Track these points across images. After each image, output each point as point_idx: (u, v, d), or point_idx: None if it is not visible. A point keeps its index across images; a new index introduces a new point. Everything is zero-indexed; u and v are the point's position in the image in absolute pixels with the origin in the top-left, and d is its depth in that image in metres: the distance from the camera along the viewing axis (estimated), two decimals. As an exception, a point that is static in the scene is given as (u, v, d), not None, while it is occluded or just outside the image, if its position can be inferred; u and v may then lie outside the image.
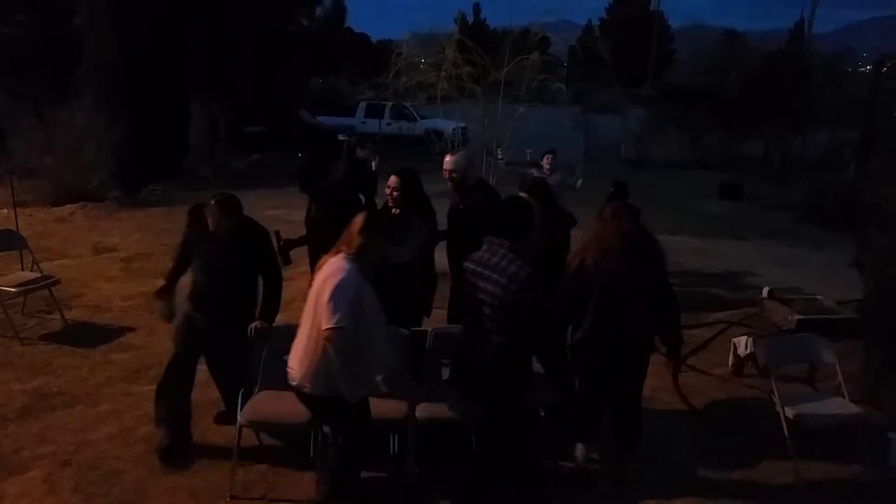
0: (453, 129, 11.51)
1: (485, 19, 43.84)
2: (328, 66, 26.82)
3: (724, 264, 9.11)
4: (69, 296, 6.65)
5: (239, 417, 3.74)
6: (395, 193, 4.34)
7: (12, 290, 5.82)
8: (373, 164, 7.56)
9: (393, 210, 4.41)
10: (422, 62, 9.99)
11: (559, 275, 3.85)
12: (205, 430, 4.27)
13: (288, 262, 4.43)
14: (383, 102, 20.60)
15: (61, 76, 13.72)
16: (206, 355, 4.14)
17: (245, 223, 3.99)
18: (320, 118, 21.14)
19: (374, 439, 3.56)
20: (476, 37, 10.44)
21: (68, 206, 10.98)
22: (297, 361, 3.23)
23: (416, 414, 3.77)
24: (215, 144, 16.87)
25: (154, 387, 4.14)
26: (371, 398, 3.37)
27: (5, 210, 9.22)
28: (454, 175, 4.53)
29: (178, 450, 3.96)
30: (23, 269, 6.34)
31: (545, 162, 7.90)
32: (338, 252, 3.18)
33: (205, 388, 4.33)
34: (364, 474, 3.58)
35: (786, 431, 4.04)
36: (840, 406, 4.18)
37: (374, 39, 37.47)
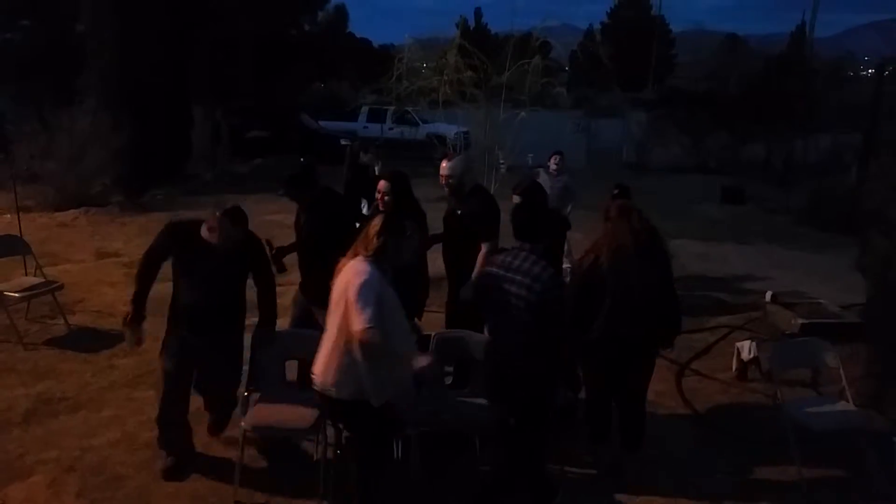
0: (455, 134, 11.51)
1: (486, 24, 43.87)
2: (330, 71, 26.94)
3: (727, 268, 9.10)
4: (72, 301, 6.66)
5: (242, 423, 3.75)
6: (385, 198, 4.39)
7: (16, 295, 5.84)
8: (375, 168, 7.58)
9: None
10: (423, 67, 10.02)
11: None
12: (206, 435, 4.26)
13: (282, 269, 4.40)
14: (385, 107, 20.63)
15: (64, 81, 13.75)
16: (197, 370, 3.99)
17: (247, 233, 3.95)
18: (322, 123, 21.18)
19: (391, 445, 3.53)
20: (478, 41, 10.45)
21: (71, 211, 11.00)
22: (321, 366, 3.22)
23: (419, 419, 3.78)
24: (217, 149, 16.89)
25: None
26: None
27: (8, 215, 9.24)
28: (450, 181, 4.55)
29: (183, 468, 3.93)
30: (26, 275, 6.35)
31: (552, 163, 7.89)
32: (355, 254, 3.20)
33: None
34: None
35: (789, 435, 4.03)
36: (844, 410, 4.18)
37: (375, 44, 37.50)
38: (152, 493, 3.73)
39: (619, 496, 3.89)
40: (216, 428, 4.25)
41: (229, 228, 3.69)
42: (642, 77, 34.47)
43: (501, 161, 8.98)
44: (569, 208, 7.43)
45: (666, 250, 3.97)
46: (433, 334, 4.13)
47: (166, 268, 3.88)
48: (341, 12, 28.69)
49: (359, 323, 2.98)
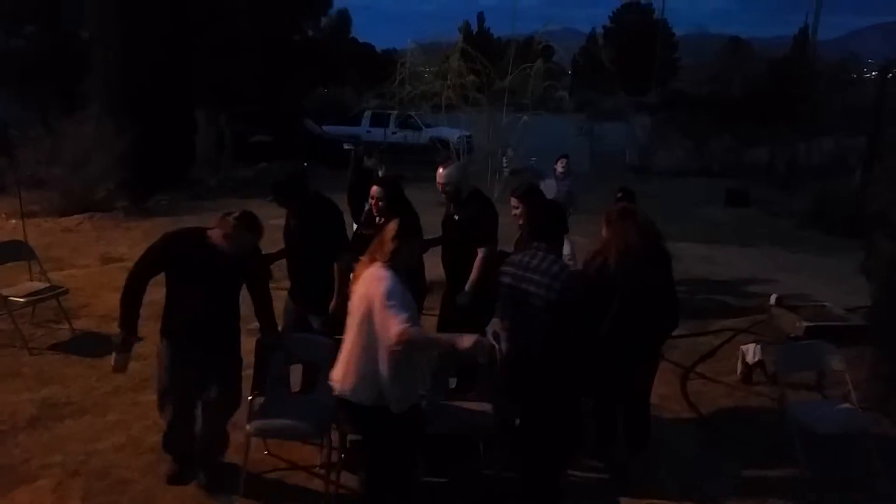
0: (458, 138, 11.54)
1: (489, 28, 43.98)
2: (333, 76, 26.99)
3: (731, 271, 9.09)
4: (77, 306, 6.67)
5: (247, 426, 3.75)
6: (379, 203, 4.49)
7: (21, 300, 5.85)
8: (379, 172, 7.59)
9: (378, 219, 4.56)
10: (426, 71, 10.06)
11: None
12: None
13: (269, 277, 4.37)
14: (388, 111, 20.68)
15: (69, 87, 13.83)
16: (197, 385, 3.78)
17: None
18: (326, 127, 21.23)
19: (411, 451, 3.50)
20: (480, 46, 10.50)
21: (76, 216, 11.02)
22: (341, 372, 3.23)
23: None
24: (221, 154, 16.94)
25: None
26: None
27: (13, 220, 9.29)
28: (447, 188, 4.58)
29: (189, 475, 3.89)
30: (31, 280, 6.37)
31: (559, 166, 7.90)
32: (372, 260, 3.21)
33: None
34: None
35: (794, 438, 4.02)
36: (849, 413, 4.16)
37: (378, 49, 37.64)
38: (157, 497, 3.74)
39: (623, 499, 3.88)
40: (202, 459, 3.90)
41: (242, 234, 3.62)
42: (645, 80, 34.47)
43: (505, 165, 9.01)
44: (570, 213, 7.44)
45: (668, 251, 4.02)
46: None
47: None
48: (344, 17, 28.80)
49: (396, 325, 2.97)
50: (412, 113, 18.17)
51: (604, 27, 48.97)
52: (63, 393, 4.93)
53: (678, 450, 4.46)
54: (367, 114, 22.60)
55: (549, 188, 7.29)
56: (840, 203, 11.87)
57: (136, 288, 3.60)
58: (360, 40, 35.47)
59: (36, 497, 3.72)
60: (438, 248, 4.74)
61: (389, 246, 3.16)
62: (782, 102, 18.50)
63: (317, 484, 3.86)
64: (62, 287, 6.30)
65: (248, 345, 4.04)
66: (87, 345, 5.80)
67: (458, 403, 4.04)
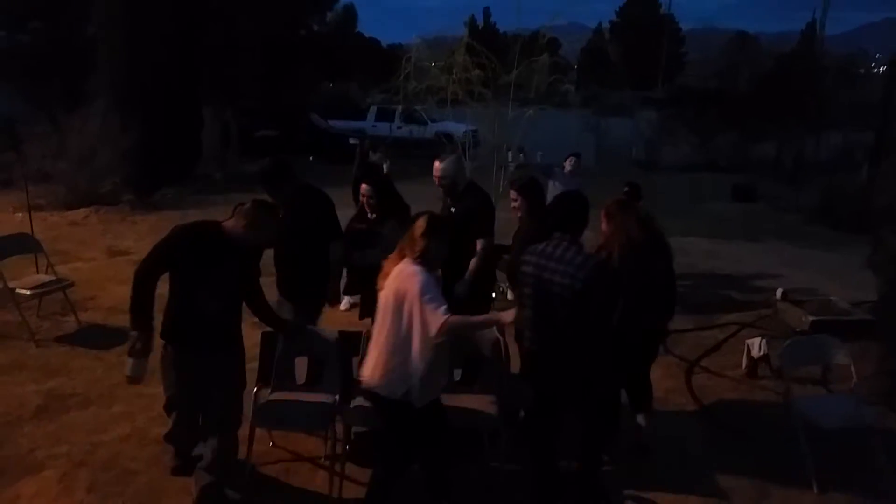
0: (464, 132, 11.51)
1: (494, 23, 43.91)
2: (339, 71, 26.99)
3: (737, 266, 9.07)
4: (83, 298, 6.70)
5: (251, 417, 3.76)
6: (370, 201, 4.65)
7: (27, 292, 5.88)
8: (384, 166, 7.60)
9: (370, 215, 4.73)
10: (432, 65, 10.04)
11: None
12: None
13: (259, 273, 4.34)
14: (394, 106, 20.69)
15: (75, 82, 13.85)
16: (200, 388, 3.59)
17: None
18: (332, 122, 21.25)
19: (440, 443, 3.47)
20: (486, 40, 10.47)
21: (82, 209, 11.06)
22: (370, 367, 3.26)
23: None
24: (227, 149, 16.97)
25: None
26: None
27: (20, 214, 9.32)
28: (444, 181, 4.60)
29: (193, 465, 3.90)
30: (38, 272, 6.40)
31: (568, 164, 7.88)
32: (401, 256, 3.24)
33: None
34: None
35: (799, 433, 4.02)
36: (855, 408, 4.15)
37: (384, 44, 37.57)
38: (163, 489, 3.75)
39: (628, 491, 3.89)
40: (224, 472, 3.65)
41: (270, 222, 3.56)
42: (652, 75, 34.38)
43: (511, 160, 9.00)
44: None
45: (668, 243, 4.11)
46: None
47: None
48: (350, 12, 28.83)
49: (437, 318, 3.04)
50: (418, 107, 18.18)
51: (610, 22, 48.86)
52: (69, 384, 4.96)
53: (683, 443, 4.46)
54: (373, 108, 22.62)
55: (557, 183, 7.29)
56: (847, 198, 11.83)
57: (147, 287, 3.46)
58: (366, 35, 35.43)
59: (42, 487, 3.74)
60: None
61: (420, 244, 3.19)
62: (789, 97, 18.43)
63: (322, 475, 3.87)
64: (68, 280, 6.33)
65: (253, 338, 4.05)
66: (93, 337, 5.83)
67: (462, 395, 4.04)
